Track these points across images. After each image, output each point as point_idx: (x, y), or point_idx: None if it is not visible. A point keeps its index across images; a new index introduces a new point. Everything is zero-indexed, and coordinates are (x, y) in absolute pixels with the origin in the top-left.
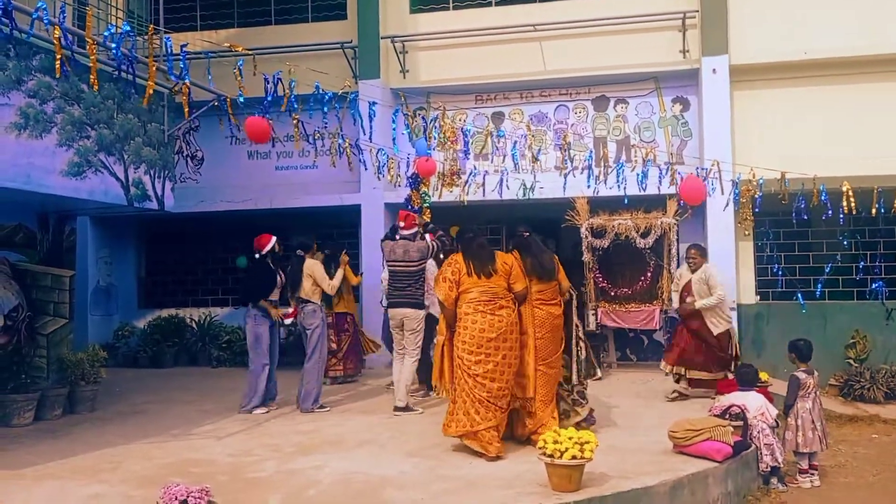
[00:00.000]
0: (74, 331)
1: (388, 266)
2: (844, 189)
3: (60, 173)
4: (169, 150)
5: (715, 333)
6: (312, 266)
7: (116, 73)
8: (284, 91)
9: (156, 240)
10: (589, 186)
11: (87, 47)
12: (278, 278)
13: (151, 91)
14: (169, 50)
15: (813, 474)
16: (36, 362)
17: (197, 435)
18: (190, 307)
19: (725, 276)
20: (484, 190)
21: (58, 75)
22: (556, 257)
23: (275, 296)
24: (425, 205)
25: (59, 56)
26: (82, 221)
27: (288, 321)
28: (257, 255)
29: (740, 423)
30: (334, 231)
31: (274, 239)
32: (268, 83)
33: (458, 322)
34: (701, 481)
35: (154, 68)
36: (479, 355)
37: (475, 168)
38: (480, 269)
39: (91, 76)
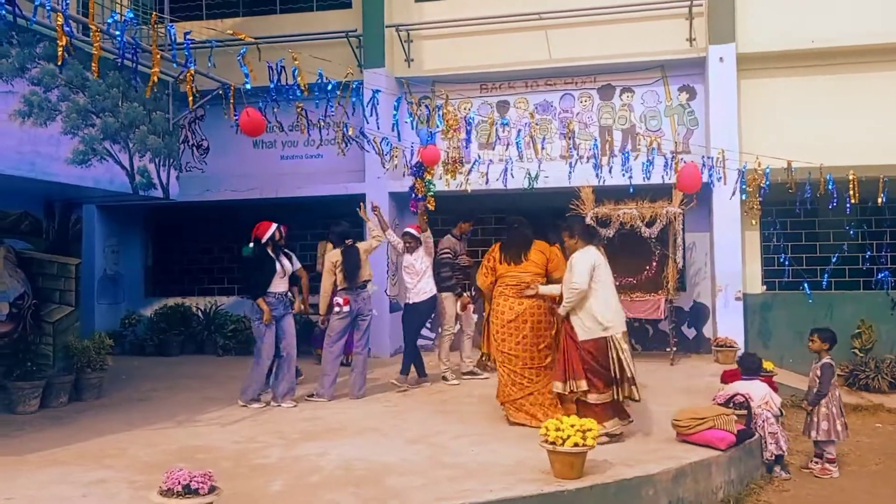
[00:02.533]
0: (81, 319)
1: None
2: (851, 178)
3: (65, 161)
4: (174, 139)
5: (580, 339)
6: (362, 245)
7: (120, 61)
8: (287, 79)
9: (162, 229)
10: (595, 176)
11: (91, 35)
12: (279, 267)
13: (156, 80)
14: (173, 38)
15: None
16: (42, 350)
17: (202, 422)
18: (196, 296)
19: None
20: (487, 178)
21: (59, 62)
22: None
23: (282, 286)
24: (429, 193)
25: (61, 44)
26: (89, 210)
27: (346, 308)
28: (252, 244)
29: (744, 411)
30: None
31: (274, 226)
32: (272, 71)
33: (491, 304)
34: (704, 469)
35: (158, 57)
36: (504, 335)
37: (479, 157)
38: (512, 257)
39: (93, 64)
